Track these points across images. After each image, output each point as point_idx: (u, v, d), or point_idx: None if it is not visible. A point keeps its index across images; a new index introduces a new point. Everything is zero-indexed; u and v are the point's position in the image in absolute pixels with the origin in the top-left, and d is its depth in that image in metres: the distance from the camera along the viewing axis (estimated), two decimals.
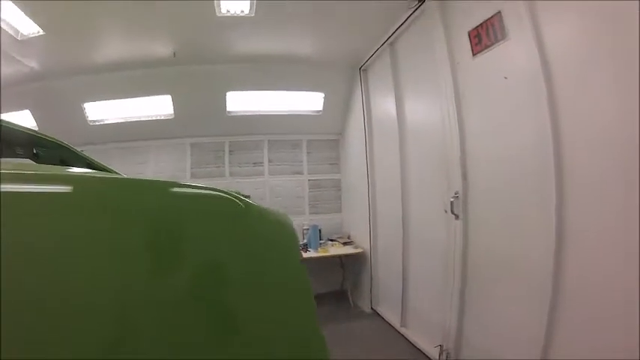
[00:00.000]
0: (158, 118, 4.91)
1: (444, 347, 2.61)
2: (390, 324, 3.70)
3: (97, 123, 4.75)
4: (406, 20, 3.19)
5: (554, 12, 1.80)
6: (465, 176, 2.50)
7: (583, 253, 1.65)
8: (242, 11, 3.22)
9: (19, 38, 3.29)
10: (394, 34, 3.46)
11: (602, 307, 1.55)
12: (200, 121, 4.95)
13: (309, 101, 4.99)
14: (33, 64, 3.83)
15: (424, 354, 2.94)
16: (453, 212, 2.55)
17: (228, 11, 3.21)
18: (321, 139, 5.38)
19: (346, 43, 3.96)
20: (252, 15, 3.23)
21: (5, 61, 3.58)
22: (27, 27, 3.22)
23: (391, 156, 3.64)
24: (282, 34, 3.72)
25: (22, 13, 2.97)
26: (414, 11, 3.04)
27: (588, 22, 1.62)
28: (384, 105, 3.87)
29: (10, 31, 3.20)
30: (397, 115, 3.52)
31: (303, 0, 3.06)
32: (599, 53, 1.56)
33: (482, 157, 2.38)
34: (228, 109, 4.84)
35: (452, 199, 2.55)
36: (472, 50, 2.33)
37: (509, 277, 2.11)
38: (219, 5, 3.10)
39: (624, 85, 1.43)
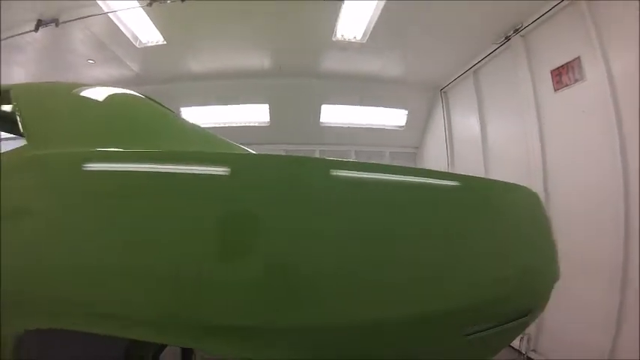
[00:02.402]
0: (253, 124, 5.47)
1: (525, 332, 3.10)
2: None
3: None
4: (492, 52, 3.72)
5: (625, 59, 2.29)
6: (546, 189, 3.00)
7: None
8: (354, 37, 3.73)
9: (137, 45, 3.64)
10: (479, 63, 3.99)
11: None
12: (294, 130, 5.51)
13: (393, 116, 5.63)
14: (137, 69, 4.21)
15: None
16: None
17: (342, 36, 3.70)
18: (402, 151, 5.97)
19: (430, 68, 4.54)
20: (364, 42, 3.75)
21: (115, 64, 4.01)
22: (149, 36, 3.51)
23: (471, 168, 4.15)
24: (378, 58, 4.22)
25: (152, 24, 3.27)
26: (500, 46, 3.57)
27: None
28: (466, 124, 4.41)
29: (130, 37, 3.49)
30: (481, 133, 4.04)
31: (403, 30, 3.53)
32: None
33: (561, 174, 2.87)
34: (321, 120, 5.48)
35: None
36: (554, 87, 2.85)
37: (584, 271, 2.59)
38: (335, 30, 3.54)
39: None
